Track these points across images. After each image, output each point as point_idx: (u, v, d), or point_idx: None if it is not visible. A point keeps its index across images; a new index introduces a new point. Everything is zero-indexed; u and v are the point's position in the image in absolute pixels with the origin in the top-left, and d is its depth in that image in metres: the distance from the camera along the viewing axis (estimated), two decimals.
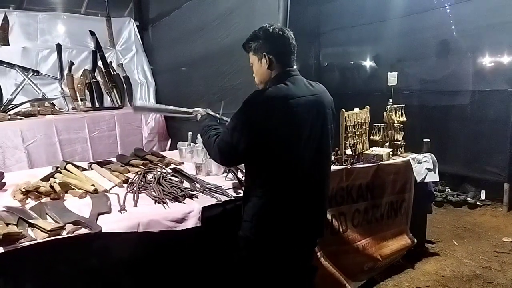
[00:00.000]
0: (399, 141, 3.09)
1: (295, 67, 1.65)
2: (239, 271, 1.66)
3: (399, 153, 3.07)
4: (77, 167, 2.31)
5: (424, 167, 2.99)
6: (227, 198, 1.90)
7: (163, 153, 2.88)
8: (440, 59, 4.59)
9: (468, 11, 4.28)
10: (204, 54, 3.54)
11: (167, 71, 4.55)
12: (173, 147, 4.16)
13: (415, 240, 2.98)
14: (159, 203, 1.82)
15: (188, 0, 3.70)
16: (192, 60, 3.85)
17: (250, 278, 1.64)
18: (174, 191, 1.90)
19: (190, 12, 3.68)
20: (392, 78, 3.18)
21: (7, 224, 1.49)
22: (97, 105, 4.32)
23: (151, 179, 2.09)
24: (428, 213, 3.24)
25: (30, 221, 1.54)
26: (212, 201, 1.88)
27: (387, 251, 2.78)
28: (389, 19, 4.95)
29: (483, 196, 4.29)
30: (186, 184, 2.09)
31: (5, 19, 4.01)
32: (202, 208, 1.78)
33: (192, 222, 1.74)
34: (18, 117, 3.62)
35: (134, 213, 1.73)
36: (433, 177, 3.03)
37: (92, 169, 2.40)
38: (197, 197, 1.92)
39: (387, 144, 3.09)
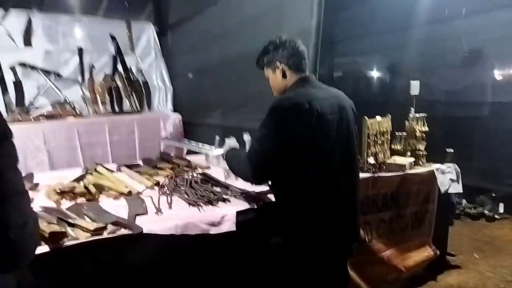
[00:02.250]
0: (421, 150, 3.07)
1: (307, 73, 1.70)
2: (270, 277, 1.66)
3: (420, 163, 3.05)
4: (107, 169, 2.32)
5: (448, 177, 2.98)
6: (260, 203, 1.89)
7: (187, 157, 2.88)
8: (458, 70, 4.59)
9: (487, 22, 4.28)
10: (226, 60, 3.56)
11: (186, 76, 4.58)
12: (190, 152, 4.17)
13: (438, 252, 2.95)
14: (193, 205, 1.82)
15: (211, 5, 3.73)
16: (213, 66, 3.87)
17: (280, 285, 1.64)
18: (207, 195, 1.90)
19: (213, 16, 3.70)
20: (415, 87, 3.18)
21: (49, 224, 1.49)
22: (116, 109, 4.35)
23: (182, 183, 2.09)
24: (450, 225, 3.22)
25: (70, 221, 1.55)
26: (246, 205, 1.87)
27: (411, 263, 2.76)
28: (405, 29, 4.96)
29: (501, 209, 4.25)
30: (216, 188, 2.09)
31: (29, 22, 4.07)
32: (237, 212, 1.78)
33: (227, 226, 1.74)
34: (41, 118, 3.65)
35: (170, 215, 1.73)
36: (457, 188, 3.01)
37: (121, 171, 2.41)
38: (229, 201, 1.91)
39: (408, 153, 3.08)
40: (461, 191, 3.05)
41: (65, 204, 1.86)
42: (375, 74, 5.92)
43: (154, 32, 4.82)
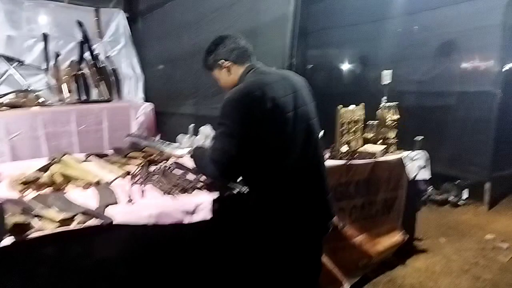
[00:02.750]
0: (392, 138, 3.15)
1: (253, 62, 1.70)
2: (248, 264, 1.66)
3: (391, 150, 3.13)
4: (75, 158, 2.22)
5: (416, 164, 3.06)
6: (236, 190, 1.87)
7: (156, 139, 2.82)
8: (428, 61, 4.72)
9: (455, 14, 4.40)
10: (199, 48, 3.46)
11: (158, 65, 4.47)
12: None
13: (406, 237, 3.05)
14: (168, 193, 1.78)
15: None
16: (186, 54, 3.79)
17: (255, 274, 1.65)
18: (182, 183, 1.87)
19: (186, 3, 3.62)
20: (387, 76, 3.26)
21: (13, 215, 1.42)
22: (84, 98, 4.19)
23: (155, 171, 2.04)
24: (418, 210, 3.32)
25: (36, 211, 1.47)
26: (222, 193, 1.85)
27: (381, 248, 2.84)
28: (376, 20, 5.04)
29: (465, 196, 4.44)
30: (191, 177, 2.05)
31: None
32: (213, 200, 1.75)
33: (202, 214, 1.71)
34: (3, 107, 3.46)
35: (143, 205, 1.69)
36: (424, 174, 3.11)
37: (89, 161, 2.32)
38: (204, 189, 1.88)
39: (380, 141, 3.15)
40: (429, 177, 3.15)
41: (30, 195, 1.77)
42: (347, 65, 5.99)
43: (124, 18, 4.67)
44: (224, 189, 1.83)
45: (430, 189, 4.66)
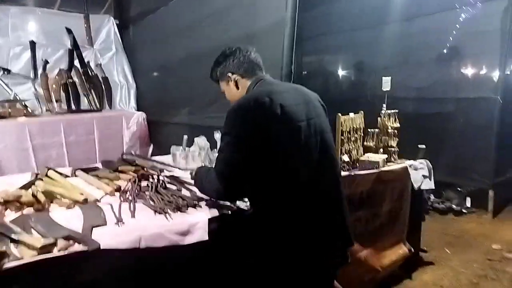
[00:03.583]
0: (393, 147, 3.04)
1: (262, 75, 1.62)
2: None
3: (392, 159, 3.02)
4: (60, 173, 2.07)
5: (420, 173, 2.96)
6: (234, 208, 1.73)
7: (152, 158, 2.67)
8: (426, 67, 4.64)
9: (453, 19, 4.34)
10: (193, 55, 3.36)
11: (150, 72, 4.34)
12: (154, 153, 3.94)
13: (412, 249, 2.93)
14: (160, 213, 1.63)
15: None
16: (179, 62, 3.66)
17: None
18: (176, 200, 1.72)
19: (179, 9, 3.50)
20: (386, 83, 3.15)
21: None
22: (73, 107, 4.03)
23: (147, 187, 1.89)
24: (422, 221, 3.21)
25: (13, 236, 1.32)
26: (218, 212, 1.70)
27: (387, 261, 2.71)
28: (374, 26, 4.97)
29: (468, 204, 4.34)
30: (185, 192, 1.91)
31: None
32: (209, 219, 1.61)
33: (198, 235, 1.56)
34: None
35: (133, 226, 1.53)
36: (429, 184, 3.00)
37: (76, 176, 2.17)
38: (200, 207, 1.74)
39: (381, 150, 3.03)
40: (433, 187, 3.04)
41: (10, 215, 1.61)
42: (344, 71, 5.91)
43: (115, 25, 4.54)
44: (223, 206, 1.69)
45: (431, 197, 4.58)
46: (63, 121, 3.64)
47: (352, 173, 2.47)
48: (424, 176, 2.98)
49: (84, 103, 4.17)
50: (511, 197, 4.42)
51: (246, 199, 1.66)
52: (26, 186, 1.84)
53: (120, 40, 4.56)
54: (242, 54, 1.61)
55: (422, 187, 2.95)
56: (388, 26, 4.81)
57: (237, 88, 1.62)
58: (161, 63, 4.05)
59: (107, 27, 4.51)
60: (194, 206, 1.72)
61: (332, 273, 1.59)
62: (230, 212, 1.68)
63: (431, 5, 4.42)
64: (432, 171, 3.01)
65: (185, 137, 2.41)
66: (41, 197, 1.68)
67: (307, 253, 1.41)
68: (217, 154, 1.52)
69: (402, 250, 2.86)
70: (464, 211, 4.27)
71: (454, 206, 4.32)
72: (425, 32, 4.58)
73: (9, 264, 1.21)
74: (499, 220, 4.07)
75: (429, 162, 3.01)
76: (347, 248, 1.55)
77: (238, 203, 1.71)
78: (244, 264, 1.47)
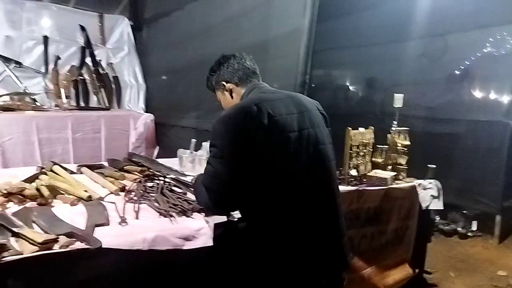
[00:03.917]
0: (402, 165, 2.99)
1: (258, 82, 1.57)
2: None
3: (401, 177, 2.97)
4: (65, 169, 2.04)
5: (429, 193, 2.90)
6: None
7: (159, 160, 2.64)
8: (437, 86, 4.61)
9: (467, 41, 4.32)
10: (206, 60, 3.33)
11: (161, 75, 4.33)
12: (160, 156, 3.91)
13: (416, 270, 2.86)
14: (165, 216, 1.59)
15: (192, 1, 3.51)
16: (191, 65, 3.64)
17: None
18: (181, 203, 1.68)
19: (194, 13, 3.49)
20: (398, 100, 3.11)
21: None
22: (82, 104, 4.03)
23: (153, 188, 1.86)
24: (428, 242, 3.14)
25: (14, 229, 1.29)
26: (224, 217, 1.66)
27: (390, 281, 2.65)
28: (384, 43, 4.96)
29: (474, 227, 4.25)
30: (190, 196, 1.87)
31: None
32: (215, 224, 1.56)
33: (203, 240, 1.52)
34: None
35: (137, 227, 1.50)
36: (438, 204, 2.94)
37: (81, 173, 2.14)
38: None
39: (389, 167, 2.98)
40: (442, 208, 2.98)
41: (12, 208, 1.58)
42: (354, 86, 5.89)
43: (129, 26, 4.54)
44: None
45: (437, 218, 4.50)
46: (71, 117, 3.62)
47: (360, 188, 2.42)
48: (433, 196, 2.93)
49: (93, 100, 4.16)
50: None
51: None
52: (30, 179, 1.81)
53: (133, 41, 4.56)
54: (237, 61, 1.56)
55: (430, 207, 2.89)
56: (402, 44, 4.79)
57: (232, 96, 1.57)
58: (172, 66, 4.04)
59: (120, 27, 4.51)
60: (199, 211, 1.68)
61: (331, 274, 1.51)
62: (236, 219, 1.63)
63: (445, 25, 4.40)
64: (441, 191, 2.95)
65: (193, 141, 2.38)
66: (45, 191, 1.65)
67: (299, 274, 1.35)
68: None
69: (406, 270, 2.80)
70: (469, 234, 4.19)
71: (459, 229, 4.24)
72: (437, 52, 4.55)
73: (8, 258, 1.17)
74: (506, 246, 3.99)
75: (438, 183, 2.95)
76: (342, 269, 1.48)
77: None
78: (242, 274, 1.42)
